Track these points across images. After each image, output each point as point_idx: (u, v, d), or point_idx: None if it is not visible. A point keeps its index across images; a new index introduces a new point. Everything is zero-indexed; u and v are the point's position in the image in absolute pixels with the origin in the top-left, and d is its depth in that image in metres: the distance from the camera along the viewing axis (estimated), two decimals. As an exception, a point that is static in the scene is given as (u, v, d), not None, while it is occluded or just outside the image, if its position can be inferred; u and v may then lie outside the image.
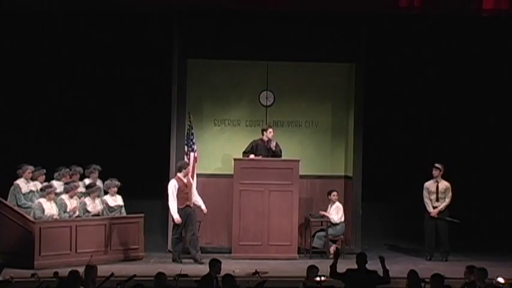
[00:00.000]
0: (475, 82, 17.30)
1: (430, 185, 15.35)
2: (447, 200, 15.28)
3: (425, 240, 15.35)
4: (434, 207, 15.25)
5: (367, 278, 11.17)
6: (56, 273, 11.15)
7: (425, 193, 15.34)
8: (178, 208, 14.71)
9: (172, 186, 14.73)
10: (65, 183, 14.42)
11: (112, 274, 11.14)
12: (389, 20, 15.83)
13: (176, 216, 14.62)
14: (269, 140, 15.36)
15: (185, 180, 14.80)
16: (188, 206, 14.77)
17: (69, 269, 11.35)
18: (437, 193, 15.29)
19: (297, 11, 14.86)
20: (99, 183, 15.02)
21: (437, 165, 15.32)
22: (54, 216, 14.04)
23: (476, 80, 17.28)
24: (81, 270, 10.86)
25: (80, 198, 14.57)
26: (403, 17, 15.48)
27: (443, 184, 15.31)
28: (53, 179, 14.74)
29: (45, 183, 14.34)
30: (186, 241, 14.81)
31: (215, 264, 11.14)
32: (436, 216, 15.20)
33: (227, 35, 15.69)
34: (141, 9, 15.11)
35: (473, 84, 17.31)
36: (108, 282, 11.20)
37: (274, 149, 15.32)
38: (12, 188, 14.37)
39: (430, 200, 15.31)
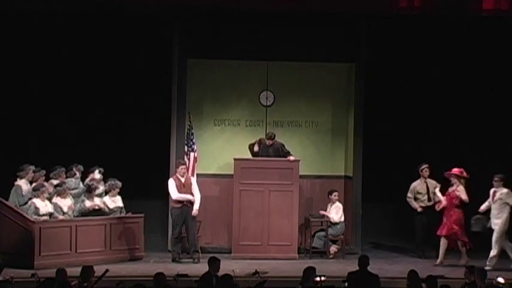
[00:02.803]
0: (475, 82, 17.30)
1: (419, 186, 15.43)
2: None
3: (416, 239, 15.43)
4: (422, 207, 15.39)
5: (369, 280, 11.15)
6: (33, 275, 11.29)
7: (410, 194, 15.42)
8: (175, 207, 14.75)
9: (170, 184, 14.81)
10: (56, 186, 14.39)
11: (107, 270, 11.13)
12: (389, 20, 15.82)
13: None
14: (272, 143, 15.36)
15: (183, 180, 14.81)
16: (185, 204, 14.76)
17: (70, 269, 11.43)
18: (428, 193, 15.36)
19: (297, 11, 14.86)
20: (101, 185, 15.00)
21: (427, 165, 15.39)
22: (54, 215, 14.03)
23: (476, 80, 17.28)
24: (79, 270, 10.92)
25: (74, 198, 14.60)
26: (403, 17, 15.48)
27: (431, 183, 15.39)
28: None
29: (37, 183, 14.31)
30: (188, 240, 14.81)
31: (214, 262, 11.15)
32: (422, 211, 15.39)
33: (227, 35, 15.68)
34: (141, 9, 15.11)
35: (474, 84, 17.31)
36: (107, 282, 11.23)
37: (282, 151, 15.33)
38: (13, 189, 14.36)
39: (422, 200, 15.37)
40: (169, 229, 15.58)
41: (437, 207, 14.95)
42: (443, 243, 14.67)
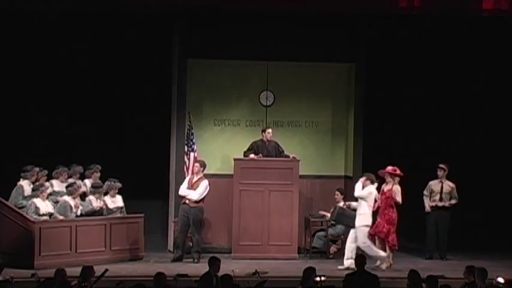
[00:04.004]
0: (475, 82, 17.31)
1: (434, 184, 15.42)
2: (454, 200, 15.34)
3: (426, 239, 15.45)
4: (432, 206, 15.33)
5: (367, 280, 11.14)
6: (33, 275, 11.32)
7: (426, 192, 15.40)
8: (180, 204, 14.85)
9: (184, 181, 14.92)
10: (67, 186, 14.40)
11: (106, 270, 11.11)
12: (389, 20, 15.83)
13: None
14: (269, 141, 15.38)
15: (194, 179, 14.87)
16: (185, 203, 14.76)
17: (70, 269, 11.42)
18: (441, 193, 15.34)
19: (297, 11, 14.86)
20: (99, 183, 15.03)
21: (441, 165, 15.39)
22: (54, 215, 14.04)
23: (476, 79, 17.29)
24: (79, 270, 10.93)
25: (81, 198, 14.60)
26: (403, 17, 15.48)
27: (448, 185, 15.37)
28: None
29: (38, 183, 14.31)
30: (193, 240, 14.79)
31: (214, 262, 11.15)
32: (430, 210, 15.35)
33: (227, 35, 15.69)
34: (141, 9, 15.11)
35: (474, 84, 17.32)
36: (107, 282, 11.23)
37: (278, 150, 15.36)
38: (15, 188, 14.36)
39: (434, 200, 15.35)
40: (169, 229, 15.62)
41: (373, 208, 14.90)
42: (378, 243, 14.60)
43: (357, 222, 14.31)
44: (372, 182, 14.41)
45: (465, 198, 16.17)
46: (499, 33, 16.50)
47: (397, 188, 14.51)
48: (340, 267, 14.14)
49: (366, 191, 14.28)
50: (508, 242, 16.23)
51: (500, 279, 11.24)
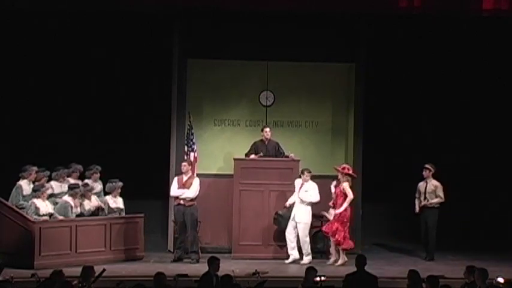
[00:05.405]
0: (474, 82, 17.31)
1: (420, 185, 15.46)
2: (436, 199, 15.28)
3: (421, 239, 15.47)
4: (419, 207, 15.37)
5: (367, 281, 11.13)
6: (33, 275, 11.32)
7: (417, 194, 15.45)
8: (174, 205, 14.88)
9: (173, 181, 14.89)
10: (70, 188, 14.37)
11: (104, 270, 11.09)
12: (389, 20, 15.83)
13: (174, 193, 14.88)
14: (268, 140, 15.38)
15: (184, 179, 14.82)
16: (179, 204, 14.75)
17: (70, 269, 11.42)
18: (425, 193, 15.32)
19: (297, 11, 14.86)
20: (99, 184, 15.01)
21: (427, 165, 15.40)
22: (54, 215, 14.04)
23: (476, 80, 17.29)
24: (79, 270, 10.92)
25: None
26: (403, 17, 15.48)
27: (432, 184, 15.34)
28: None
29: (37, 183, 14.30)
30: (187, 240, 14.79)
31: (213, 262, 11.14)
32: (419, 211, 15.34)
33: (227, 35, 15.69)
34: (141, 9, 15.12)
35: (473, 84, 17.32)
36: (107, 282, 11.22)
37: (278, 151, 15.36)
38: (15, 188, 14.35)
39: (420, 200, 15.36)
40: (169, 229, 15.61)
41: (331, 204, 14.99)
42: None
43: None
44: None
45: (466, 198, 16.19)
46: (499, 33, 16.50)
47: (346, 185, 14.57)
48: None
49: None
50: (508, 242, 16.24)
51: (500, 279, 11.23)
